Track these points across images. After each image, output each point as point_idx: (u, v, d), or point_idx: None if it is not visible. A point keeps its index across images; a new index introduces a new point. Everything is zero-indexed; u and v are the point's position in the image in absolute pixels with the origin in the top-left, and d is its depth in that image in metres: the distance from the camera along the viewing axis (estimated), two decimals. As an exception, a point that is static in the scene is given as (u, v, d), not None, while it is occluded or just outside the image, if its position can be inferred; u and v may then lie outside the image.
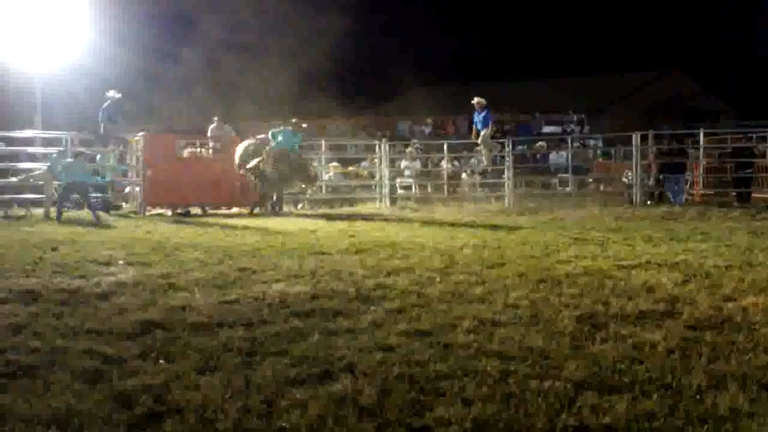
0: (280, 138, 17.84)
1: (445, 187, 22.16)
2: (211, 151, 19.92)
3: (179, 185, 17.64)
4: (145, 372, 4.77)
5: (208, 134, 20.90)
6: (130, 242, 11.15)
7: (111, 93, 19.01)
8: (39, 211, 16.03)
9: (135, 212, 17.58)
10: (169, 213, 17.63)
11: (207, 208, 18.34)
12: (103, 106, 18.89)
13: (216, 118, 21.37)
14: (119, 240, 11.49)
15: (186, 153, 19.44)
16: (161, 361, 5.00)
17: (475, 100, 20.63)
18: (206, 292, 7.13)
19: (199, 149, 19.98)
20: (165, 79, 29.43)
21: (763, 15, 44.30)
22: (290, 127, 18.26)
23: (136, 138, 18.40)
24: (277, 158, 17.55)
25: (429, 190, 23.03)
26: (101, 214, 15.71)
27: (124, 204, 18.89)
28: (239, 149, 18.26)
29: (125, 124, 19.42)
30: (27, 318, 6.09)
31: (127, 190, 19.26)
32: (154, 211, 17.71)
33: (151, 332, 5.70)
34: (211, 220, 16.12)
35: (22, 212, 16.16)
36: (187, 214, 17.60)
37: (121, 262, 9.04)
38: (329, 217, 16.48)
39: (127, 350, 5.23)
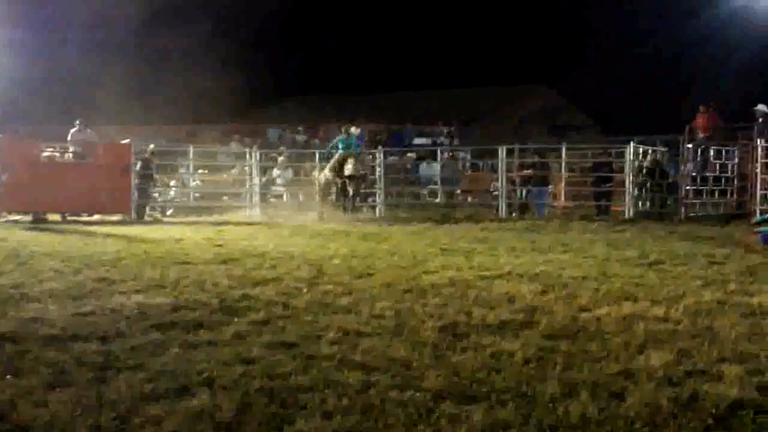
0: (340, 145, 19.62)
1: (317, 196, 22.06)
2: (72, 155, 19.19)
3: (38, 190, 16.93)
4: (-10, 389, 4.51)
5: (69, 138, 20.11)
6: (-18, 250, 10.59)
7: None
8: None
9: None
10: (27, 219, 16.85)
11: (67, 214, 17.66)
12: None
13: (78, 122, 20.58)
14: (-31, 248, 10.89)
15: (45, 157, 18.64)
16: (8, 377, 4.75)
17: (357, 131, 20.91)
18: (60, 304, 6.84)
19: (59, 154, 19.22)
20: (25, 79, 28.14)
21: (626, 31, 46.67)
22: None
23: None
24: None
25: (301, 199, 22.92)
26: None
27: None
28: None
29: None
30: None
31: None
32: (10, 218, 16.92)
33: (-2, 346, 5.41)
34: (70, 227, 15.51)
35: None
36: (44, 220, 16.87)
37: (-31, 271, 8.57)
38: (196, 226, 16.16)
39: (-28, 366, 4.94)
